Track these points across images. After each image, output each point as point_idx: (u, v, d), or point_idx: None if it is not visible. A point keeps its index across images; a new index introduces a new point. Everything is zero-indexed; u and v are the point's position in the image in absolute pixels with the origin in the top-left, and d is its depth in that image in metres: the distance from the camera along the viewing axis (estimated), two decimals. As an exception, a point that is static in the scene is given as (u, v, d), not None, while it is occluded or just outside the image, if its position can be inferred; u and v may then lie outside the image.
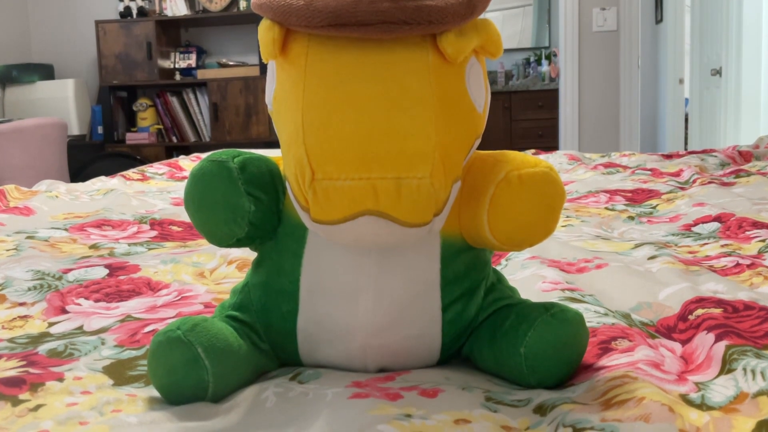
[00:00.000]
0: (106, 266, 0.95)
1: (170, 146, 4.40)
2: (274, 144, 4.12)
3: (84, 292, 0.86)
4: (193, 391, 0.56)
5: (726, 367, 0.57)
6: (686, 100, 5.32)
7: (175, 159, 2.30)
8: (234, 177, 0.57)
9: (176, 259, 0.98)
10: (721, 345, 0.60)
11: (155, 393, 0.58)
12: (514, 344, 0.58)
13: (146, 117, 4.39)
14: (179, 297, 0.85)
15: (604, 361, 0.60)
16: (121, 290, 0.87)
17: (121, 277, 0.91)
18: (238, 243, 0.60)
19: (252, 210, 0.58)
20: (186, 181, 0.59)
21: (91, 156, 4.19)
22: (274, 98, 0.56)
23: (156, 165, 2.15)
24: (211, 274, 0.93)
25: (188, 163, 2.24)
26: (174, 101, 4.41)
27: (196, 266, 0.96)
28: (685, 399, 0.53)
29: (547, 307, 0.59)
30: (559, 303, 0.60)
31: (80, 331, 0.74)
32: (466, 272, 0.60)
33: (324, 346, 0.60)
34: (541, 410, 0.52)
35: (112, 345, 0.69)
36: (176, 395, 0.56)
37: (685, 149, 5.26)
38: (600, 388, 0.54)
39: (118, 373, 0.63)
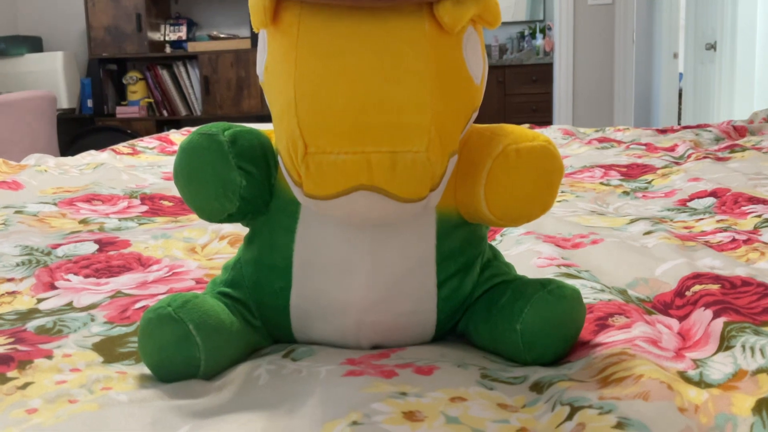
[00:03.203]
0: (96, 241, 0.94)
1: (161, 120, 4.36)
2: (266, 118, 4.08)
3: (73, 267, 0.84)
4: (184, 368, 0.55)
5: (724, 344, 0.56)
6: (680, 74, 5.30)
7: (165, 133, 2.28)
8: (224, 150, 0.56)
9: (167, 234, 0.97)
10: (719, 322, 0.59)
11: (146, 370, 0.58)
12: (510, 321, 0.57)
13: (136, 90, 4.34)
14: (170, 273, 0.84)
15: (601, 338, 0.59)
16: (111, 266, 0.86)
17: (111, 253, 0.90)
18: (230, 218, 0.58)
19: (243, 184, 0.56)
20: (175, 154, 0.57)
21: (81, 130, 4.15)
22: (266, 69, 0.55)
23: (146, 139, 2.13)
24: (203, 250, 0.92)
25: (179, 137, 2.22)
26: (164, 74, 4.36)
27: (188, 241, 0.94)
28: (684, 376, 0.52)
29: (543, 284, 0.58)
30: (556, 279, 0.59)
31: (69, 307, 0.73)
32: (462, 248, 0.59)
33: (317, 322, 0.59)
34: (538, 387, 0.51)
35: (102, 322, 0.68)
36: (167, 373, 0.56)
37: (679, 124, 5.25)
38: (597, 365, 0.53)
39: (108, 350, 0.62)
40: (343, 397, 0.47)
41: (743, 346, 0.54)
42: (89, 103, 4.32)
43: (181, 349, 0.55)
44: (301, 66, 0.49)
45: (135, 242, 0.93)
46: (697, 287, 0.69)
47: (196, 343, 0.55)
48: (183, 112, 4.38)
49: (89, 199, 1.24)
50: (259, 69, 0.56)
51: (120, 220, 1.13)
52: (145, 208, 1.22)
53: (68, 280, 0.81)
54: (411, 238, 0.57)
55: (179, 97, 4.38)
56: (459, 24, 0.50)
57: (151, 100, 4.37)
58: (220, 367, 0.57)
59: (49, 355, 0.59)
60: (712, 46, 5.13)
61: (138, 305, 0.72)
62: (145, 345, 0.56)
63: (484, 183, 0.55)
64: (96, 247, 0.92)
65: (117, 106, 4.37)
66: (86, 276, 0.82)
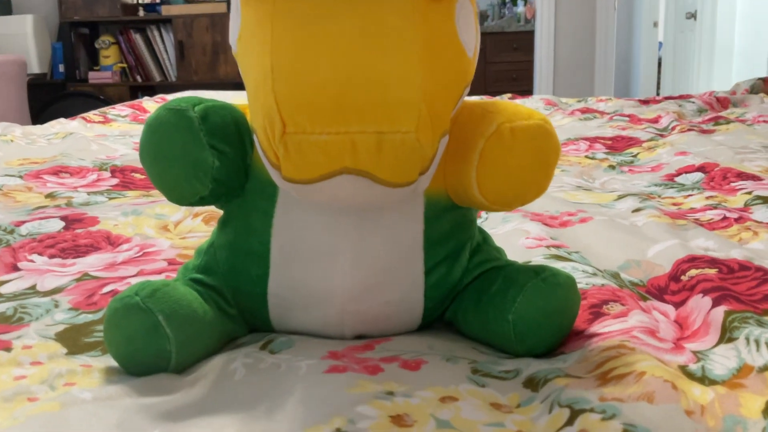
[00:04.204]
0: (62, 218, 0.89)
1: (135, 86, 4.25)
2: (243, 85, 4.00)
3: (38, 247, 0.80)
4: (153, 361, 0.51)
5: (726, 335, 0.53)
6: (660, 43, 5.27)
7: (138, 100, 2.21)
8: (195, 127, 0.51)
9: (138, 210, 0.92)
10: (720, 310, 0.56)
11: (113, 362, 0.54)
12: (502, 310, 0.54)
13: (109, 55, 4.22)
14: (141, 252, 0.79)
15: (596, 328, 0.56)
16: (77, 245, 0.81)
17: (79, 231, 0.85)
18: (201, 201, 0.54)
19: (216, 165, 0.52)
20: (142, 130, 0.53)
21: (52, 95, 4.04)
22: (239, 38, 0.50)
23: (118, 107, 2.06)
24: (176, 228, 0.88)
25: (152, 105, 2.15)
26: (138, 39, 4.25)
27: (160, 218, 0.90)
28: (685, 371, 0.49)
29: (537, 271, 0.54)
30: (550, 266, 0.55)
31: (33, 291, 0.69)
32: (451, 232, 0.56)
33: (297, 311, 0.56)
34: (532, 384, 0.48)
35: (66, 308, 0.64)
36: (136, 366, 0.52)
37: (658, 93, 5.23)
38: (594, 358, 0.50)
39: (72, 340, 0.58)
40: (325, 398, 0.44)
41: (747, 339, 0.51)
42: (61, 68, 4.20)
43: (150, 342, 0.51)
44: (278, 35, 0.45)
45: (104, 219, 0.89)
46: (693, 271, 0.66)
47: (166, 335, 0.51)
48: (157, 77, 4.28)
49: (57, 171, 1.18)
50: (232, 38, 0.52)
51: (89, 194, 1.08)
52: (115, 181, 1.17)
53: (32, 260, 0.76)
54: (397, 222, 0.53)
55: (153, 62, 4.27)
56: (451, -8, 0.46)
57: (125, 65, 4.26)
58: (193, 359, 0.53)
59: (7, 347, 0.55)
60: (692, 15, 5.10)
61: (105, 289, 0.68)
62: (111, 337, 0.52)
63: (476, 164, 0.51)
64: (62, 224, 0.87)
65: (89, 71, 4.25)
66: (51, 256, 0.78)
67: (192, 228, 0.87)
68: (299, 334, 0.57)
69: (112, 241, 0.83)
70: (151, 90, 4.23)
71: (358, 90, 0.43)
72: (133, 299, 0.51)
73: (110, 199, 1.06)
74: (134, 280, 0.71)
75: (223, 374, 0.51)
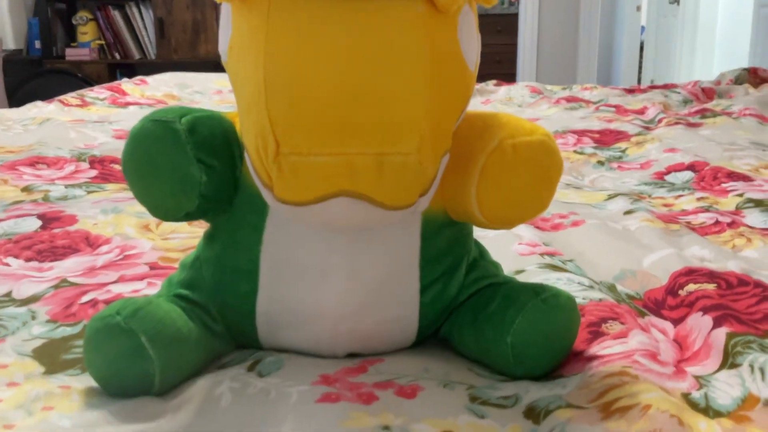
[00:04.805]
0: (39, 216, 0.86)
1: (113, 63, 4.16)
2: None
3: (13, 249, 0.77)
4: (136, 384, 0.49)
5: (729, 361, 0.52)
6: (642, 27, 5.26)
7: (117, 82, 2.16)
8: (181, 141, 0.49)
9: (118, 208, 0.89)
10: (722, 332, 0.55)
11: (93, 382, 0.51)
12: (500, 332, 0.52)
13: (87, 32, 4.13)
14: (121, 256, 0.76)
15: (596, 349, 0.54)
16: (55, 246, 0.78)
17: (56, 230, 0.82)
18: (188, 217, 0.51)
19: (204, 180, 0.49)
20: (124, 142, 0.50)
21: (29, 72, 3.95)
22: (229, 48, 0.47)
23: (96, 89, 2.01)
24: (158, 228, 0.85)
25: (131, 87, 2.10)
26: (116, 15, 4.16)
27: (140, 217, 0.87)
28: (689, 400, 0.48)
29: (537, 291, 0.53)
30: (550, 286, 0.54)
31: (8, 298, 0.66)
32: (449, 248, 0.54)
33: (287, 330, 0.53)
34: (533, 415, 0.46)
35: (44, 320, 0.61)
36: (117, 389, 0.49)
37: (639, 78, 5.23)
38: (595, 385, 0.48)
39: (51, 356, 0.55)
40: (319, 434, 0.42)
41: (751, 366, 0.50)
42: (37, 44, 4.10)
43: (132, 365, 0.48)
44: (273, 48, 0.42)
45: (82, 218, 0.86)
46: (691, 286, 0.65)
47: (149, 357, 0.48)
48: (136, 55, 4.20)
49: (33, 162, 1.15)
50: (222, 47, 0.49)
51: (66, 187, 1.05)
52: (94, 173, 1.13)
53: (7, 264, 0.73)
54: (393, 240, 0.51)
55: (132, 39, 4.19)
56: (456, 2, 0.44)
57: (103, 42, 4.18)
58: (178, 380, 0.51)
59: (-18, 367, 0.53)
60: (675, 0, 5.09)
61: (85, 298, 0.65)
62: (91, 359, 0.49)
63: (476, 181, 0.49)
64: (39, 223, 0.84)
65: (67, 47, 4.16)
66: (27, 259, 0.75)
67: (174, 228, 0.85)
68: (289, 352, 0.55)
69: (91, 242, 0.80)
70: (129, 68, 4.15)
71: (358, 108, 0.41)
72: (114, 319, 0.49)
73: (89, 192, 1.02)
74: (115, 287, 0.68)
75: (209, 399, 0.48)
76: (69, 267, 0.73)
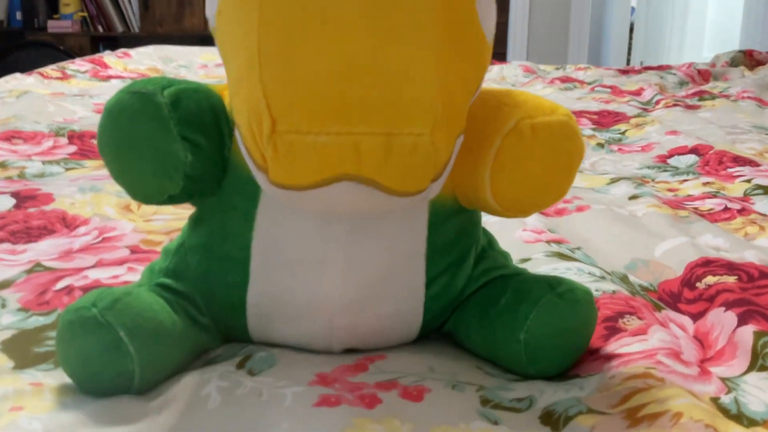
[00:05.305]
0: (13, 194, 0.81)
1: (96, 36, 4.06)
2: (210, 39, 3.85)
3: (-16, 229, 0.72)
4: (114, 383, 0.45)
5: (758, 362, 0.48)
6: (632, 8, 5.21)
7: (99, 55, 2.09)
8: (164, 116, 0.43)
9: (97, 186, 0.84)
10: (748, 330, 0.51)
11: (66, 378, 0.47)
12: (513, 329, 0.48)
13: (69, 3, 4.03)
14: (100, 238, 0.72)
15: (613, 347, 0.50)
16: (30, 227, 0.73)
17: (31, 210, 0.77)
18: (171, 200, 0.46)
19: (189, 159, 0.44)
20: (100, 116, 0.45)
21: (9, 44, 3.85)
22: (218, 12, 0.42)
23: (78, 61, 1.94)
24: (139, 208, 0.80)
25: (114, 60, 2.04)
26: (99, -14, 4.06)
27: (121, 197, 0.82)
28: (719, 405, 0.44)
29: (551, 285, 0.48)
30: (565, 279, 0.49)
31: (-23, 284, 0.61)
32: (457, 238, 0.49)
33: (280, 324, 0.49)
34: (551, 421, 0.42)
35: (15, 308, 0.56)
36: (93, 388, 0.45)
37: (629, 59, 5.18)
38: (617, 388, 0.44)
39: (22, 349, 0.51)
40: (317, 445, 0.38)
41: (785, 369, 0.46)
42: (18, 15, 4.00)
43: (110, 362, 0.44)
44: (268, 12, 0.38)
45: (59, 197, 0.80)
46: (710, 279, 0.61)
47: (128, 353, 0.44)
48: (120, 28, 4.10)
49: (9, 137, 1.09)
50: (209, 10, 0.44)
51: (44, 163, 0.99)
52: (73, 148, 1.08)
53: (-23, 246, 0.68)
54: (398, 228, 0.47)
55: (115, 11, 4.09)
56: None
57: (85, 14, 4.08)
58: (161, 376, 0.47)
59: (-55, 362, 0.48)
60: (667, -20, 5.04)
61: (60, 285, 0.60)
62: (65, 355, 0.45)
63: (491, 165, 0.45)
64: (13, 201, 0.79)
65: (48, 19, 4.05)
66: (0, 240, 0.70)
67: (157, 210, 0.80)
68: (281, 347, 0.50)
69: (68, 223, 0.75)
70: (113, 41, 4.05)
71: (365, 83, 0.36)
72: (90, 311, 0.44)
73: (67, 170, 0.97)
74: (92, 273, 0.63)
75: (195, 400, 0.44)
76: (44, 250, 0.68)
